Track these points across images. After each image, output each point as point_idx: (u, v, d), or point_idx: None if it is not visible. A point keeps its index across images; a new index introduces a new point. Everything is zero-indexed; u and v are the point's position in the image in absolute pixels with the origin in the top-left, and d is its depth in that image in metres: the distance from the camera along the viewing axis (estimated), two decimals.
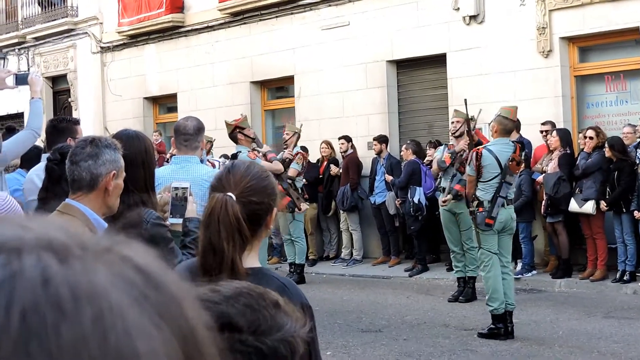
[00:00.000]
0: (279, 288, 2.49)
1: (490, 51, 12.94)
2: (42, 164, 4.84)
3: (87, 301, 0.45)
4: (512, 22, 12.69)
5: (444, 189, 10.57)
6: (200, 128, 5.31)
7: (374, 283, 12.41)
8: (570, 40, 12.44)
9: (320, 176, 14.18)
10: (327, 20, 14.89)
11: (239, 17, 16.29)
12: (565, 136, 11.60)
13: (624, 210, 10.85)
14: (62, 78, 20.32)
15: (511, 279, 8.73)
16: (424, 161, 12.92)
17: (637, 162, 10.83)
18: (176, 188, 4.27)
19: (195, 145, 5.26)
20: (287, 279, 2.77)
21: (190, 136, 5.22)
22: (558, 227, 11.49)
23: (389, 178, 13.19)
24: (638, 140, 11.15)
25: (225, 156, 12.04)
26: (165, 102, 18.54)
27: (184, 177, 4.87)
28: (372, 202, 13.62)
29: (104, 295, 0.46)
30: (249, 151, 9.72)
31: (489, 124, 9.08)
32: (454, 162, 10.33)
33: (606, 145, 10.92)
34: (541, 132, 11.95)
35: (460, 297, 10.53)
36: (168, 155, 12.63)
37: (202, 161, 5.67)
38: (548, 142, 11.70)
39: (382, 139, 13.60)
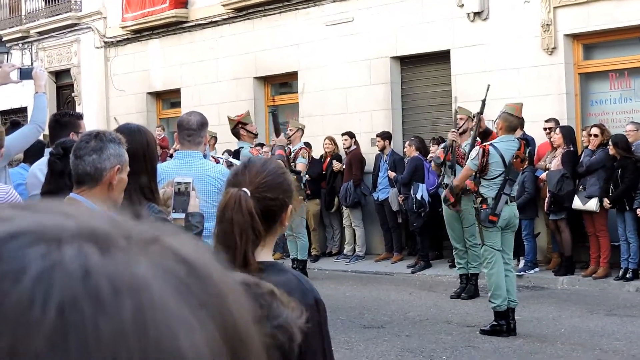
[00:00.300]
0: (293, 282, 2.49)
1: (494, 48, 12.92)
2: (45, 159, 4.84)
3: (128, 294, 0.44)
4: (516, 19, 12.67)
5: (447, 185, 10.56)
6: (203, 123, 5.31)
7: (377, 279, 12.41)
8: (575, 37, 12.42)
9: (324, 172, 14.18)
10: (331, 16, 14.88)
11: (242, 12, 16.28)
12: (568, 133, 11.58)
13: (627, 208, 10.84)
14: (65, 73, 20.32)
15: (513, 275, 8.73)
16: (427, 158, 12.92)
17: None
18: (179, 183, 4.27)
19: (198, 140, 5.26)
20: (300, 274, 2.78)
21: (193, 131, 5.22)
22: (561, 225, 11.48)
23: (392, 174, 13.18)
24: None
25: (228, 152, 12.04)
26: (168, 97, 18.54)
27: (187, 172, 4.88)
28: (375, 199, 13.62)
29: (145, 289, 0.45)
30: (251, 147, 9.70)
31: (494, 121, 9.06)
32: (448, 155, 10.25)
33: (610, 142, 10.91)
34: (545, 129, 11.94)
35: (463, 294, 10.53)
36: (171, 151, 12.63)
37: (205, 156, 5.68)
38: (551, 139, 11.69)
39: (386, 135, 13.59)
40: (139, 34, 18.36)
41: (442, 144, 10.56)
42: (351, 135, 14.02)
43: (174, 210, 4.23)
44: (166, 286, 0.45)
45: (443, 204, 10.65)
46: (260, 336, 0.51)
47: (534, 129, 11.87)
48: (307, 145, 12.92)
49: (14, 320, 0.41)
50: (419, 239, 12.89)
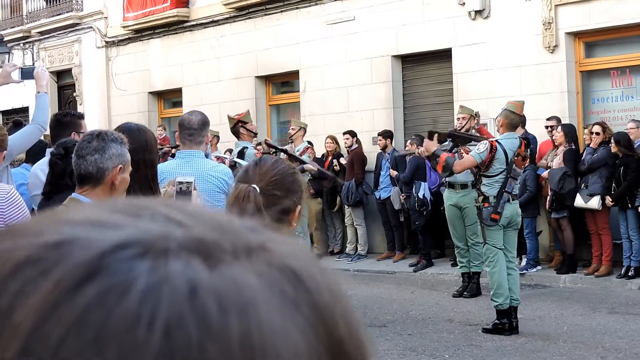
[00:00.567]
0: None
1: (495, 46, 12.92)
2: (46, 159, 4.84)
3: (235, 314, 0.42)
4: (517, 17, 12.66)
5: (449, 183, 10.55)
6: (204, 122, 5.30)
7: (379, 278, 12.41)
8: (576, 35, 12.41)
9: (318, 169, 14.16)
10: (333, 15, 14.88)
11: (244, 11, 16.28)
12: (570, 132, 11.58)
13: (629, 205, 10.83)
14: (66, 72, 20.33)
15: (516, 274, 8.72)
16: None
17: None
18: (180, 182, 4.27)
19: (199, 139, 5.26)
20: None
21: (194, 131, 5.22)
22: (563, 223, 11.48)
23: (394, 173, 13.18)
24: None
25: (230, 151, 12.04)
26: (170, 97, 18.55)
27: (189, 172, 4.87)
28: (377, 197, 13.62)
29: (252, 307, 0.43)
30: (253, 147, 9.69)
31: (495, 118, 9.06)
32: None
33: (612, 140, 10.90)
34: (546, 127, 11.93)
35: (465, 293, 10.52)
36: (172, 150, 12.63)
37: (207, 156, 5.67)
38: (553, 137, 11.69)
39: (387, 134, 13.59)
40: (140, 33, 18.36)
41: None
42: (353, 134, 14.02)
43: None
44: (272, 302, 0.43)
45: (445, 201, 10.65)
46: (367, 351, 0.48)
47: (536, 127, 11.86)
48: (309, 144, 12.93)
49: (120, 337, 0.40)
50: (421, 238, 12.89)
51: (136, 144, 3.90)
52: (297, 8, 15.44)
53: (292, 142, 12.83)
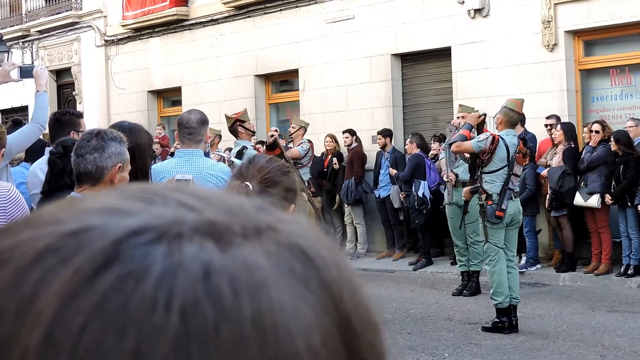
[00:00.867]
0: None
1: (495, 45, 12.92)
2: (45, 158, 4.84)
3: (247, 296, 0.43)
4: (517, 15, 12.66)
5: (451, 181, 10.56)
6: (203, 121, 5.30)
7: (378, 277, 12.41)
8: (575, 33, 12.42)
9: (325, 170, 14.18)
10: (332, 13, 14.87)
11: (243, 10, 16.27)
12: (569, 130, 11.58)
13: (628, 204, 10.83)
14: (66, 71, 20.33)
15: (516, 272, 8.72)
16: (429, 155, 12.92)
17: None
18: (179, 180, 4.27)
19: (198, 138, 5.25)
20: None
21: (193, 129, 5.21)
22: (562, 221, 11.48)
23: (393, 172, 13.18)
24: None
25: (229, 149, 12.04)
26: (169, 96, 18.54)
27: (188, 171, 4.87)
28: (377, 196, 13.62)
29: (264, 288, 0.44)
30: (252, 146, 9.69)
31: (494, 117, 9.06)
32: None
33: (612, 139, 10.90)
34: (546, 125, 11.93)
35: (465, 291, 10.53)
36: (172, 149, 12.63)
37: (206, 154, 5.67)
38: (552, 136, 11.69)
39: (387, 133, 13.59)
40: (140, 32, 18.36)
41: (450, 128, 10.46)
42: (352, 132, 14.02)
43: None
44: (282, 280, 0.45)
45: (445, 198, 10.65)
46: (380, 331, 0.50)
47: (535, 125, 11.86)
48: (309, 142, 12.98)
49: (138, 321, 0.41)
50: (421, 236, 12.90)
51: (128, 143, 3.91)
52: (296, 7, 15.43)
53: (292, 140, 12.82)
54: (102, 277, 0.42)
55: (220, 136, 12.72)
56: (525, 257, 11.72)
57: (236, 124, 9.57)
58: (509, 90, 12.02)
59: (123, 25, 18.47)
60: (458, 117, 10.44)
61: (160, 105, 18.76)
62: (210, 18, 16.88)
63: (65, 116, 5.74)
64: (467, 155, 8.90)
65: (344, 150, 14.19)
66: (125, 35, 18.70)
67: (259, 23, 16.05)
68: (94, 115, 17.94)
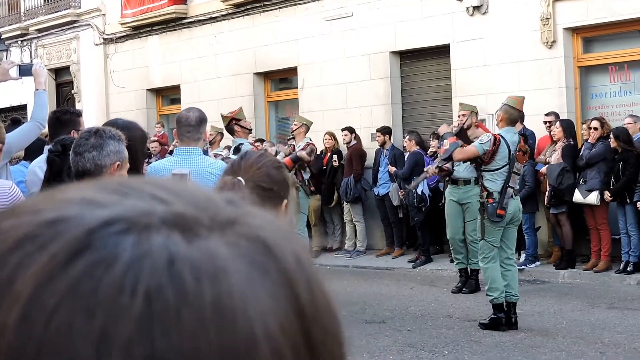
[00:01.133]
0: None
1: (493, 42, 12.92)
2: (44, 156, 4.84)
3: (208, 282, 0.47)
4: (515, 12, 12.66)
5: (452, 179, 10.55)
6: (202, 119, 5.30)
7: (378, 274, 12.42)
8: (574, 30, 12.42)
9: (324, 167, 14.18)
10: (331, 11, 14.87)
11: (242, 8, 16.27)
12: (568, 127, 11.58)
13: (627, 201, 10.83)
14: (65, 70, 20.31)
15: (515, 270, 8.72)
16: (427, 152, 12.92)
17: None
18: (175, 175, 4.27)
19: (197, 136, 5.25)
20: None
21: (192, 127, 5.21)
22: (561, 218, 11.48)
23: (392, 169, 13.18)
24: None
25: (228, 147, 12.04)
26: (168, 94, 18.54)
27: (186, 169, 4.87)
28: (376, 194, 13.62)
29: (224, 275, 0.47)
30: (250, 143, 9.70)
31: (495, 113, 9.05)
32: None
33: (612, 135, 10.90)
34: (545, 122, 11.94)
35: (464, 289, 10.53)
36: (171, 147, 12.63)
37: (205, 152, 5.67)
38: (552, 133, 11.69)
39: (386, 130, 13.59)
40: (138, 30, 18.35)
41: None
42: (351, 130, 14.02)
43: None
44: (242, 269, 0.48)
45: (446, 196, 10.64)
46: (338, 318, 0.54)
47: (534, 122, 11.86)
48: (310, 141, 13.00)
49: (106, 304, 0.45)
50: (420, 234, 12.90)
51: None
52: (295, 4, 15.43)
53: (293, 137, 12.82)
54: (75, 263, 0.46)
55: (222, 134, 12.71)
56: (524, 254, 11.72)
57: (232, 123, 9.57)
58: (508, 88, 12.02)
59: (122, 24, 18.46)
60: (459, 116, 10.44)
61: (159, 104, 18.76)
62: (209, 16, 16.87)
63: (66, 115, 5.74)
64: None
65: (343, 148, 14.19)
66: (124, 34, 18.70)
67: (258, 21, 16.05)
68: (92, 114, 17.93)
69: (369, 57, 14.43)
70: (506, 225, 8.53)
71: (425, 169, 10.45)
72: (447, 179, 10.79)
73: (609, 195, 10.88)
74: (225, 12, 16.59)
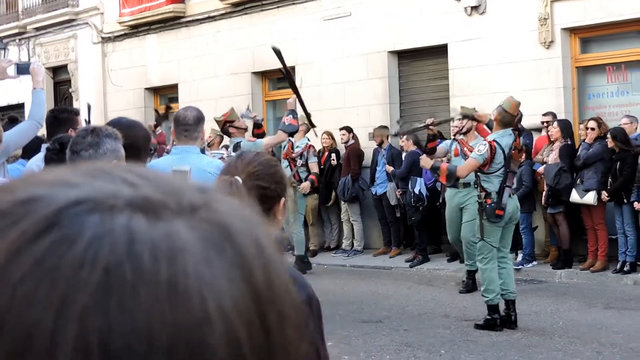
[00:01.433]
0: None
1: (491, 42, 12.92)
2: (41, 154, 4.84)
3: (165, 261, 0.49)
4: (513, 12, 12.67)
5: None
6: (200, 118, 5.31)
7: (375, 274, 12.42)
8: (572, 31, 12.43)
9: (322, 167, 14.18)
10: (329, 10, 14.88)
11: (240, 7, 16.27)
12: (566, 127, 11.59)
13: (624, 201, 10.84)
14: (62, 68, 20.30)
15: (511, 267, 8.73)
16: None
17: None
18: (175, 172, 4.27)
19: (195, 135, 5.26)
20: (294, 269, 2.78)
21: (189, 126, 5.22)
22: (559, 218, 11.49)
23: (390, 169, 13.19)
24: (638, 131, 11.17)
25: (226, 147, 12.04)
26: (166, 93, 18.53)
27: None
28: (373, 193, 13.62)
29: (181, 255, 0.50)
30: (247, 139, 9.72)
31: (491, 114, 9.06)
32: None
33: (609, 135, 10.91)
34: (542, 122, 11.94)
35: (461, 288, 10.55)
36: (168, 147, 12.62)
37: (202, 151, 5.68)
38: (549, 133, 11.70)
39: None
40: (137, 29, 18.35)
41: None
42: (349, 129, 14.02)
43: None
44: (201, 252, 0.51)
45: (447, 201, 10.62)
46: (296, 304, 0.56)
47: (532, 122, 11.86)
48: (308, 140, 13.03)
49: (67, 277, 0.48)
50: (417, 233, 12.90)
51: (124, 140, 3.92)
52: (293, 4, 15.43)
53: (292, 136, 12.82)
54: (43, 239, 0.49)
55: (221, 136, 12.72)
56: (521, 254, 11.73)
57: (226, 125, 9.61)
58: (506, 88, 12.03)
59: (120, 23, 18.45)
60: (459, 120, 10.45)
61: (157, 103, 18.74)
62: (207, 15, 16.87)
63: (64, 114, 5.75)
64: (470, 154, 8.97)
65: (340, 148, 14.19)
66: (122, 33, 18.69)
67: (256, 20, 16.05)
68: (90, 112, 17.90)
69: (367, 56, 14.44)
70: (504, 224, 8.55)
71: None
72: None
73: (606, 195, 10.89)
74: (223, 11, 16.59)
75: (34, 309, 0.47)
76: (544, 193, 11.47)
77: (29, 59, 19.29)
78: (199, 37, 17.06)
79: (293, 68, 15.53)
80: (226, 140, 13.02)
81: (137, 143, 4.05)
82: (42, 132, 6.27)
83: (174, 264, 0.49)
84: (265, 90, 16.49)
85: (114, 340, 0.47)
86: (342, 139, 14.04)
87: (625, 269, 10.86)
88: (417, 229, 12.83)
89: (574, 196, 11.13)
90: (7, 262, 0.48)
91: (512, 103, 8.65)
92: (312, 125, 10.29)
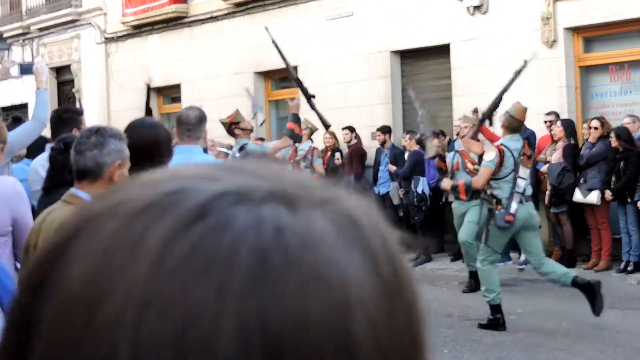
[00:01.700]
0: None
1: (494, 41, 12.92)
2: (46, 154, 4.85)
3: (310, 250, 0.52)
4: (516, 12, 12.66)
5: (456, 196, 10.58)
6: (202, 118, 5.33)
7: None
8: (575, 30, 12.42)
9: (324, 166, 14.17)
10: (331, 10, 14.88)
11: (242, 7, 16.28)
12: (569, 126, 11.58)
13: (628, 200, 10.84)
14: (66, 69, 20.32)
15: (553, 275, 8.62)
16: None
17: None
18: None
19: (197, 135, 5.27)
20: None
21: (192, 126, 5.24)
22: (562, 218, 11.49)
23: (393, 168, 13.19)
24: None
25: (230, 147, 12.05)
26: (169, 93, 18.54)
27: None
28: (376, 193, 13.62)
29: (324, 248, 0.53)
30: (252, 142, 9.74)
31: (500, 116, 9.05)
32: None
33: (613, 134, 10.89)
34: (545, 122, 11.94)
35: (465, 287, 10.55)
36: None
37: (205, 151, 5.69)
38: (552, 132, 11.69)
39: (386, 130, 13.60)
40: (139, 29, 18.36)
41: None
42: (351, 129, 14.03)
43: None
44: (339, 243, 0.54)
45: (454, 212, 10.63)
46: (420, 298, 0.58)
47: (535, 122, 11.86)
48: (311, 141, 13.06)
49: (223, 261, 0.50)
50: (420, 233, 12.90)
51: (146, 140, 3.96)
52: (295, 4, 15.43)
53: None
54: (196, 226, 0.51)
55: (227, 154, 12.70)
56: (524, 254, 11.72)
57: (232, 127, 9.62)
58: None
59: (123, 23, 18.47)
60: (460, 126, 10.49)
61: (159, 102, 18.77)
62: (209, 15, 16.88)
63: (68, 114, 5.76)
64: (472, 166, 9.04)
65: (343, 147, 14.20)
66: (125, 33, 18.71)
67: (258, 20, 16.05)
68: (93, 113, 17.94)
69: (369, 56, 14.44)
70: (521, 231, 8.50)
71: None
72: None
73: (610, 194, 10.89)
74: (225, 11, 16.60)
75: (195, 292, 0.49)
76: (547, 193, 11.47)
77: (33, 59, 19.32)
78: (202, 37, 17.07)
79: (295, 68, 15.54)
80: (230, 139, 13.04)
81: (160, 142, 4.10)
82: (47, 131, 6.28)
83: (317, 253, 0.52)
84: (268, 89, 16.50)
85: (272, 322, 0.50)
86: (344, 138, 14.04)
87: (629, 268, 10.85)
88: (420, 228, 12.82)
89: (577, 196, 11.12)
90: (164, 247, 0.51)
91: (518, 109, 8.62)
92: (327, 126, 10.34)
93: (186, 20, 17.40)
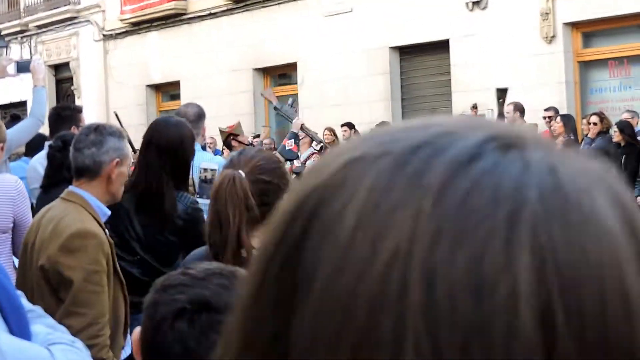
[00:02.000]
0: None
1: (493, 37, 12.91)
2: (44, 152, 4.85)
3: (585, 194, 0.52)
4: (515, 8, 12.66)
5: None
6: (200, 115, 5.32)
7: None
8: (574, 25, 12.41)
9: None
10: (330, 7, 14.87)
11: (241, 4, 16.27)
12: (569, 122, 11.56)
13: None
14: (64, 66, 20.32)
15: None
16: None
17: None
18: (205, 169, 4.30)
19: (196, 132, 5.26)
20: None
21: (190, 123, 5.22)
22: None
23: None
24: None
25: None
26: (168, 90, 18.54)
27: None
28: None
29: (595, 194, 0.53)
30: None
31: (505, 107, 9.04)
32: None
33: (616, 128, 10.87)
34: (544, 118, 11.93)
35: None
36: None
37: (203, 148, 5.68)
38: (552, 128, 11.68)
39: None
40: (138, 26, 18.35)
41: None
42: (351, 126, 14.00)
43: (198, 196, 4.26)
44: (600, 191, 0.53)
45: None
46: None
47: (534, 118, 11.86)
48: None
49: (508, 196, 0.51)
50: None
51: (171, 139, 3.99)
52: (294, 0, 15.42)
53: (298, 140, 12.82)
54: (474, 165, 0.52)
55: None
56: None
57: (230, 138, 9.59)
58: (507, 83, 12.02)
59: (121, 20, 18.47)
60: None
61: (158, 100, 18.77)
62: (208, 12, 16.87)
63: (67, 111, 5.75)
64: None
65: None
66: (124, 30, 18.70)
67: (257, 16, 16.05)
68: (92, 110, 17.94)
69: (368, 52, 14.43)
70: None
71: None
72: None
73: None
74: (224, 8, 16.59)
75: (487, 221, 0.50)
76: None
77: (31, 57, 19.31)
78: (201, 34, 17.06)
79: (294, 64, 15.54)
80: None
81: (185, 141, 4.12)
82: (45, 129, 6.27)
83: (591, 197, 0.52)
84: (267, 86, 16.49)
85: (561, 258, 0.49)
86: (344, 135, 14.03)
87: None
88: None
89: None
90: (444, 184, 0.51)
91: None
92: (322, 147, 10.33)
93: (185, 17, 17.39)
